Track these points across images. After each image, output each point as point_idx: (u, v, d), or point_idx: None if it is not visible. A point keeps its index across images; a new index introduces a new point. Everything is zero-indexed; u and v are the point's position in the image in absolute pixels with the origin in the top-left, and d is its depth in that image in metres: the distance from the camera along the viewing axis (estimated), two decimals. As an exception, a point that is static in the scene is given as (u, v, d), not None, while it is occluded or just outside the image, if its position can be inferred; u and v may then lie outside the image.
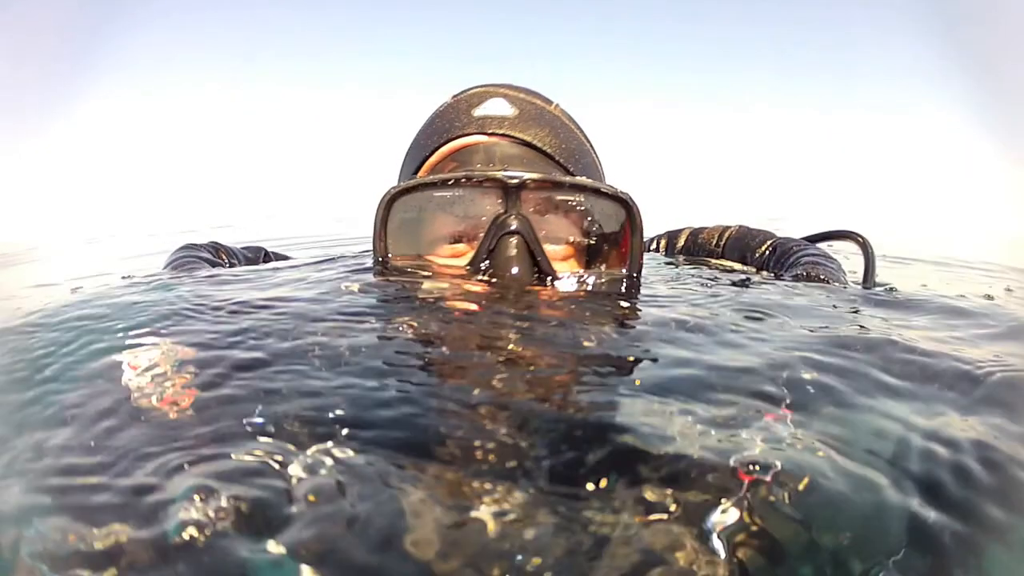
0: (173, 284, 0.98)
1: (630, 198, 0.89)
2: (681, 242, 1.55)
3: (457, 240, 0.90)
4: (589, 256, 0.93)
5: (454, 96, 1.02)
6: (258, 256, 1.54)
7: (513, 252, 0.83)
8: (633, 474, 0.51)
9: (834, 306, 0.86)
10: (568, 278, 0.89)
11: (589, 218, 0.91)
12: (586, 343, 0.71)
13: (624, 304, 0.86)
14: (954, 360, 0.68)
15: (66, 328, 0.85)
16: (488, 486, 0.48)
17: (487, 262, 0.85)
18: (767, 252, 1.22)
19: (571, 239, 0.92)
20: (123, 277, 1.23)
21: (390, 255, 0.90)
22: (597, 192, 0.89)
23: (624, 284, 0.92)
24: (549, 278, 0.86)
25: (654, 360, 0.69)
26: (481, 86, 1.01)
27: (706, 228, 1.49)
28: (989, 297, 1.20)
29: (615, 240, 0.92)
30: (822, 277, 1.01)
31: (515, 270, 0.82)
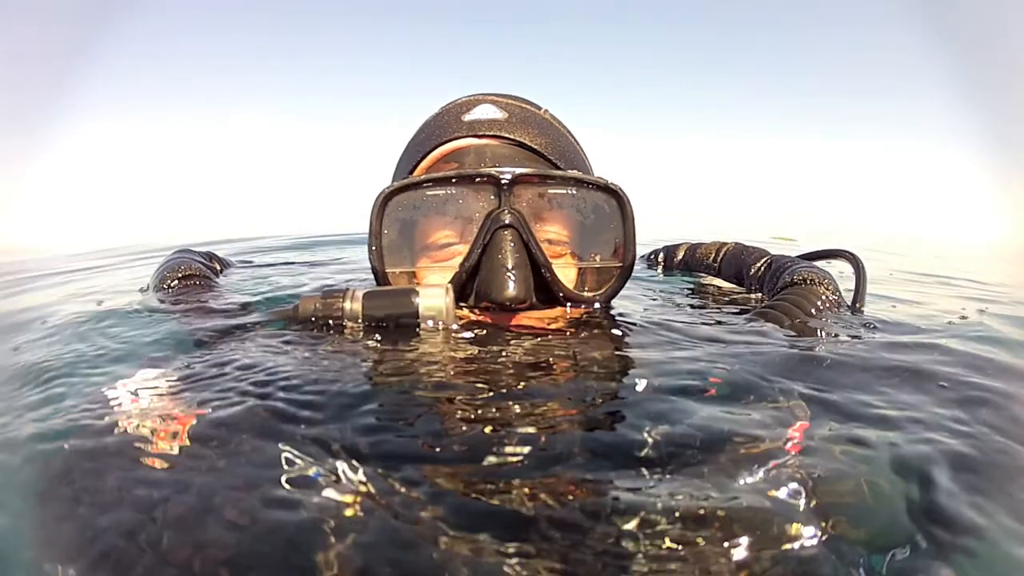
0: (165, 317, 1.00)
1: (620, 188, 0.90)
2: (679, 256, 1.58)
3: (451, 238, 0.90)
4: (583, 249, 0.94)
5: (443, 106, 1.04)
6: (253, 266, 1.58)
7: (508, 246, 0.83)
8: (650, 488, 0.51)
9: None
10: (564, 269, 0.90)
11: (582, 211, 0.92)
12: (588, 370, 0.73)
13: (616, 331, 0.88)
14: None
15: (61, 354, 0.86)
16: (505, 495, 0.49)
17: (481, 256, 0.85)
18: (762, 268, 1.25)
19: (565, 232, 0.92)
20: (98, 303, 1.23)
21: (387, 266, 0.90)
22: (588, 184, 0.90)
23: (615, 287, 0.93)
24: (544, 271, 0.86)
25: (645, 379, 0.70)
26: (470, 95, 1.03)
27: (703, 244, 1.51)
28: (963, 317, 1.24)
29: (608, 232, 0.93)
30: (817, 280, 1.02)
31: (510, 262, 0.82)
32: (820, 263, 1.17)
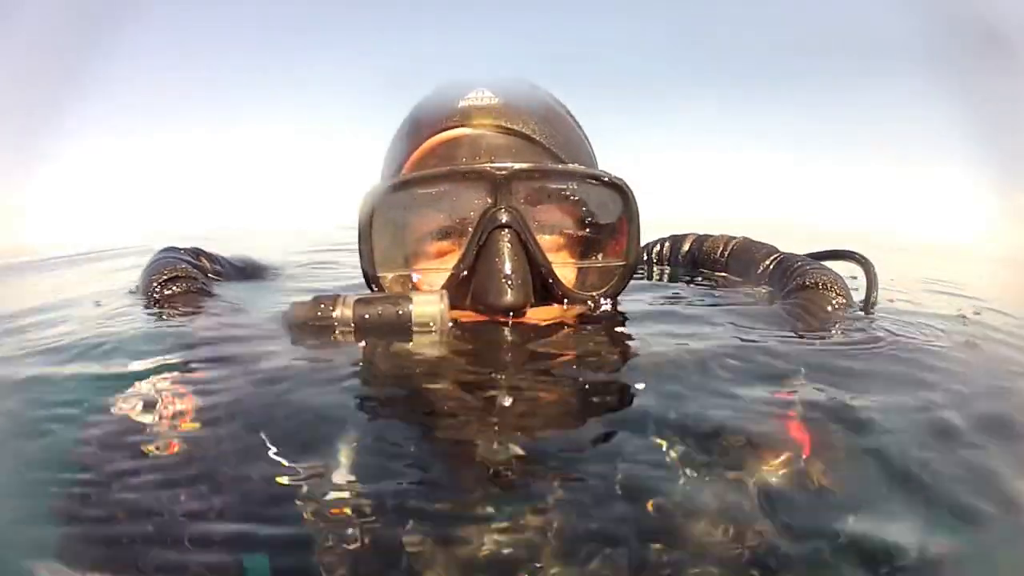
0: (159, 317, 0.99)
1: (625, 184, 0.85)
2: (685, 248, 1.52)
3: (444, 238, 0.85)
4: (585, 247, 0.89)
5: (434, 90, 0.96)
6: (246, 266, 1.50)
7: (505, 246, 0.78)
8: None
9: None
10: (564, 268, 0.85)
11: (584, 207, 0.87)
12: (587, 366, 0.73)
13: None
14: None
15: (67, 354, 0.85)
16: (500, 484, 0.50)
17: (477, 259, 0.80)
18: (771, 266, 1.22)
19: (565, 230, 0.87)
20: (96, 303, 1.21)
21: (378, 269, 0.85)
22: (591, 179, 0.85)
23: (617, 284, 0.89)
24: (544, 272, 0.82)
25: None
26: (462, 78, 0.95)
27: (711, 236, 1.46)
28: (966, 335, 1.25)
29: (611, 229, 0.88)
30: (828, 285, 0.99)
31: (507, 266, 0.77)
32: (829, 263, 1.15)
